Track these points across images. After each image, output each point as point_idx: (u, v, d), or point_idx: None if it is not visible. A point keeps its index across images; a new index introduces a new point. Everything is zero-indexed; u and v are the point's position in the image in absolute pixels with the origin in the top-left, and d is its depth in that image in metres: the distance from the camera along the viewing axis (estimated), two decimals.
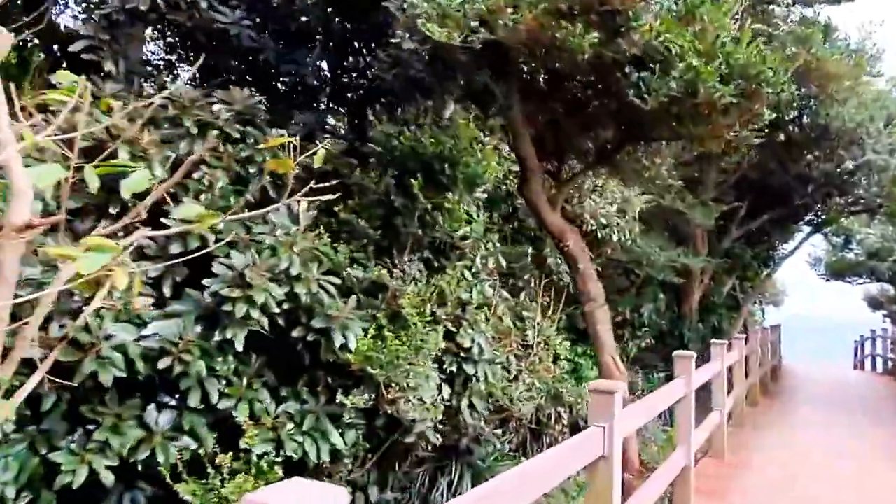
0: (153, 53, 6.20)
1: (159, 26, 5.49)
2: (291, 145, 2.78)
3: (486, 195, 5.41)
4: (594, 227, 9.07)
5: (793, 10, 9.67)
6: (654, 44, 5.17)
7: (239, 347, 3.77)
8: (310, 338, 4.11)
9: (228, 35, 5.09)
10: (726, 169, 12.35)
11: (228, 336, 3.72)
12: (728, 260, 15.79)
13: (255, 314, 3.71)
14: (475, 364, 5.52)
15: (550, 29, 4.61)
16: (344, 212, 4.54)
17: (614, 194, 9.57)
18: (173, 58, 6.19)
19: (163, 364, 3.50)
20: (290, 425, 4.19)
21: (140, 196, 2.41)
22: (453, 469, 5.66)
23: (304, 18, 5.62)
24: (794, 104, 11.71)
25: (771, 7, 9.22)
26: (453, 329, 5.37)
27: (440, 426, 5.79)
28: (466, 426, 5.73)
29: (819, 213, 15.29)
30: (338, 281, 4.22)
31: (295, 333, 4.08)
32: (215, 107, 4.52)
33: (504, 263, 5.72)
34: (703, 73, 5.06)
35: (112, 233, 2.41)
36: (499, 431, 6.42)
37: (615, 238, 9.27)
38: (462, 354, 5.46)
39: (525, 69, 5.61)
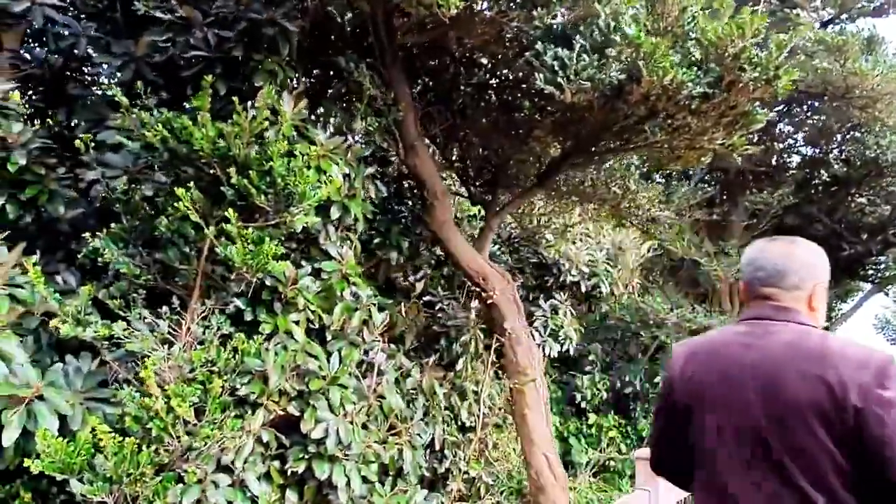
0: None
1: None
2: None
3: (350, 220, 3.86)
4: (576, 277, 7.33)
5: (822, 14, 7.93)
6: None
7: None
8: None
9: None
10: (756, 212, 10.39)
11: None
12: None
13: None
14: (331, 462, 3.87)
15: None
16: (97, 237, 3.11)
17: (605, 239, 7.85)
18: None
19: None
20: None
21: None
22: None
23: None
24: (835, 134, 9.88)
25: (795, 11, 7.52)
26: (296, 412, 3.78)
27: None
28: None
29: (880, 266, 12.96)
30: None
31: None
32: None
33: (380, 319, 4.09)
34: (645, 45, 3.47)
35: None
36: None
37: (604, 290, 7.47)
38: (311, 449, 3.83)
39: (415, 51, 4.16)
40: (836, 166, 10.28)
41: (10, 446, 2.68)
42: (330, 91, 4.15)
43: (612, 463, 9.00)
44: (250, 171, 3.00)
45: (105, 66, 4.19)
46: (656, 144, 4.28)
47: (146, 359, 2.90)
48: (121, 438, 2.79)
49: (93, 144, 3.55)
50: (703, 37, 3.80)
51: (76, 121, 4.31)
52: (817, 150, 10.37)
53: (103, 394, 3.11)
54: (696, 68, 3.74)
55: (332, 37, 4.39)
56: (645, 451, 4.50)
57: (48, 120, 3.99)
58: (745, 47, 3.70)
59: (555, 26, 3.77)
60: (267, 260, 3.13)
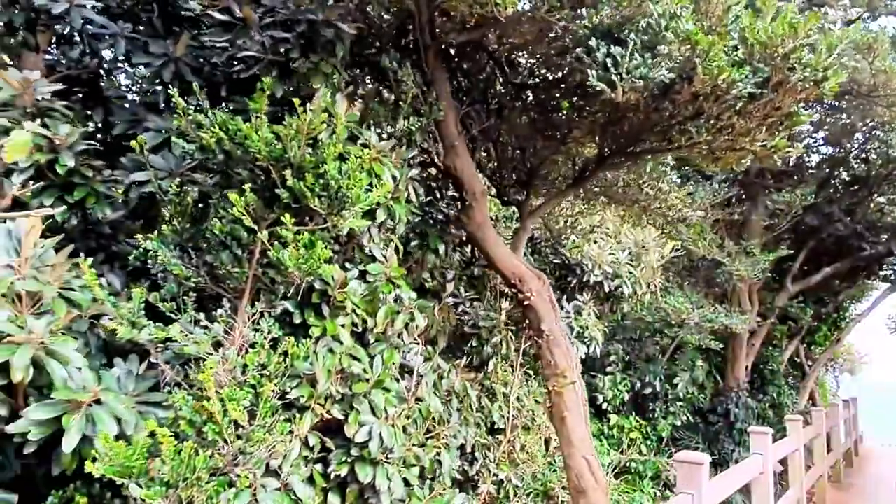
0: None
1: None
2: None
3: (394, 222, 3.83)
4: (599, 278, 7.29)
5: (850, 13, 7.86)
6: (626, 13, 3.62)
7: None
8: (34, 435, 2.58)
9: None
10: (776, 212, 10.35)
11: None
12: (791, 321, 13.47)
13: None
14: (374, 466, 3.84)
15: None
16: (147, 238, 3.08)
17: (626, 238, 7.80)
18: None
19: None
20: None
21: None
22: None
23: None
24: (857, 133, 9.82)
25: (824, 9, 7.46)
26: (340, 416, 3.75)
27: None
28: None
29: None
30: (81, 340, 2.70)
31: (12, 428, 2.57)
32: None
33: (423, 322, 4.05)
34: (701, 42, 3.43)
35: None
36: None
37: (627, 291, 7.43)
38: (353, 452, 3.80)
39: (452, 50, 4.11)
40: (856, 165, 10.24)
41: (68, 451, 2.66)
42: (364, 91, 4.12)
43: (633, 464, 8.97)
44: (306, 174, 2.97)
45: (141, 68, 4.16)
46: (697, 145, 4.23)
47: (202, 362, 2.87)
48: (177, 442, 2.77)
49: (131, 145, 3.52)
50: (750, 36, 3.75)
51: (112, 122, 4.29)
52: (838, 150, 10.32)
53: (155, 397, 3.08)
54: (746, 67, 3.70)
55: (371, 36, 4.36)
56: (685, 455, 4.46)
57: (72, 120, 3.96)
58: (795, 47, 3.66)
59: (601, 25, 3.73)
60: (319, 263, 3.10)
